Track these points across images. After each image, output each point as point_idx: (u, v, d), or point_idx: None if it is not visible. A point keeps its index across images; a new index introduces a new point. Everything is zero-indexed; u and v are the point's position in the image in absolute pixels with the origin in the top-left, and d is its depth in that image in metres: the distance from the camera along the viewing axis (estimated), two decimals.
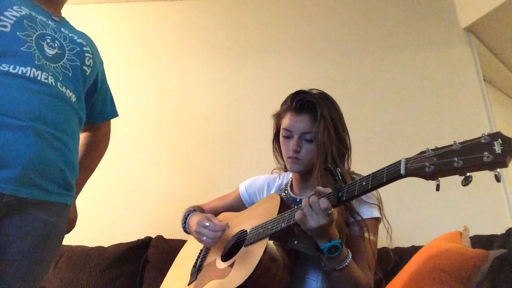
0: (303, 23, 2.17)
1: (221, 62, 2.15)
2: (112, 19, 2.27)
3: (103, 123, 1.29)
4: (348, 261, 0.86)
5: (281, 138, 1.13)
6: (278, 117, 1.17)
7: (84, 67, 1.07)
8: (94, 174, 1.98)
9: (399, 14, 2.12)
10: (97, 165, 1.29)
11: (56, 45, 1.00)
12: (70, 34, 1.06)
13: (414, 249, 1.37)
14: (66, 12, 1.17)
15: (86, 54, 1.08)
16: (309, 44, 2.13)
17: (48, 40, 0.98)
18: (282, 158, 1.19)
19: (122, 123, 2.08)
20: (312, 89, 1.11)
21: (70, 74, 1.02)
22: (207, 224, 1.06)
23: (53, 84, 0.95)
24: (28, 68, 0.91)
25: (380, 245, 1.04)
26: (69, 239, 1.72)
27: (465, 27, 2.03)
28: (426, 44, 2.04)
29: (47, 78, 0.94)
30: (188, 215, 1.21)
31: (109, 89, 1.29)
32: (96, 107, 1.22)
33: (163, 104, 2.11)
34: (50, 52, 0.98)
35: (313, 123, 1.04)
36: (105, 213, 1.93)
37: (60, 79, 0.98)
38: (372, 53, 2.07)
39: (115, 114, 1.32)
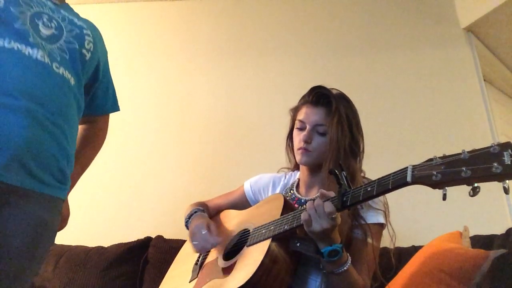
0: (303, 23, 2.17)
1: (221, 62, 2.15)
2: (112, 19, 2.27)
3: (101, 117, 1.24)
4: (347, 266, 0.86)
5: (294, 131, 1.13)
6: (295, 110, 1.17)
7: (84, 51, 1.01)
8: (94, 174, 1.98)
9: (399, 14, 2.12)
10: (91, 161, 1.23)
11: (53, 25, 0.94)
12: (70, 17, 1.01)
13: (414, 249, 1.37)
14: None
15: (86, 38, 1.02)
16: (309, 44, 2.13)
17: (45, 19, 0.93)
18: (294, 155, 1.19)
19: (123, 123, 2.08)
20: (332, 88, 1.13)
21: (67, 57, 0.96)
22: (204, 232, 1.07)
23: (49, 63, 0.90)
24: (23, 45, 0.86)
25: (381, 244, 1.04)
26: (69, 239, 1.73)
27: (465, 27, 2.03)
28: (426, 44, 2.04)
29: (43, 57, 0.88)
30: (195, 212, 1.21)
31: (112, 83, 1.24)
32: (96, 99, 1.17)
33: (164, 104, 2.11)
34: (45, 32, 0.92)
35: (328, 116, 1.06)
36: (105, 213, 1.93)
37: (58, 60, 0.93)
38: (372, 53, 2.07)
39: (116, 108, 1.26)
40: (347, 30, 2.13)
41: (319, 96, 1.09)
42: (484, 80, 2.06)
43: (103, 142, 1.27)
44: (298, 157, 1.10)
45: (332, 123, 1.03)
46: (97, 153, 1.25)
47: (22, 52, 0.85)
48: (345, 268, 0.85)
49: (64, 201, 1.00)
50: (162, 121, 2.08)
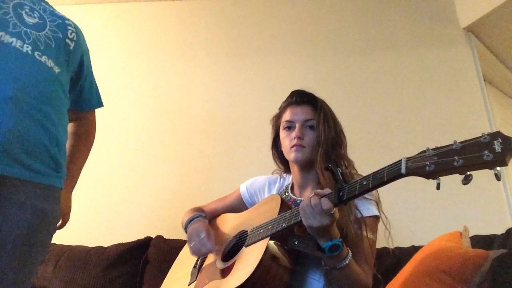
0: (303, 23, 2.17)
1: (221, 62, 2.15)
2: (112, 19, 2.27)
3: (88, 112, 1.26)
4: (348, 260, 0.86)
5: (282, 133, 1.15)
6: (277, 117, 1.19)
7: (67, 40, 1.03)
8: (94, 174, 1.98)
9: (399, 14, 2.12)
10: (87, 155, 1.26)
11: (35, 15, 0.96)
12: (51, 8, 1.04)
13: (414, 249, 1.37)
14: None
15: (69, 28, 1.05)
16: (309, 44, 2.13)
17: (27, 10, 0.94)
18: (282, 163, 1.21)
19: (122, 123, 2.08)
20: None
21: (53, 45, 0.98)
22: (202, 235, 1.09)
23: (29, 52, 0.90)
24: (3, 33, 0.86)
25: (380, 243, 1.04)
26: (69, 239, 1.73)
27: (465, 27, 2.03)
28: (426, 44, 2.04)
29: (22, 46, 0.89)
30: (196, 218, 1.21)
31: (95, 81, 1.26)
32: (83, 94, 1.19)
33: (163, 104, 2.11)
34: (30, 20, 0.93)
35: (314, 112, 1.10)
36: (105, 213, 1.93)
37: (42, 48, 0.93)
38: (372, 53, 2.07)
39: (100, 104, 1.28)
40: (347, 30, 2.13)
41: (302, 96, 1.13)
42: (484, 80, 2.06)
43: (94, 136, 1.30)
44: (292, 155, 1.10)
45: (319, 118, 1.08)
46: (91, 147, 1.28)
47: (1, 39, 0.85)
48: (346, 262, 0.86)
49: (62, 189, 0.98)
50: (162, 121, 2.08)
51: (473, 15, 1.98)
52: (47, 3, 1.07)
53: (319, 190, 0.86)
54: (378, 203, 1.01)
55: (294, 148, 1.08)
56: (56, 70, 0.97)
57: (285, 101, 1.18)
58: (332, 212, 0.81)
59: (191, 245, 1.09)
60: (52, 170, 0.92)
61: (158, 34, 2.23)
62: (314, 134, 1.09)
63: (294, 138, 1.08)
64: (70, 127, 1.19)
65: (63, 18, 1.05)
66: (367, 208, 0.99)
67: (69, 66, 1.04)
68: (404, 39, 2.07)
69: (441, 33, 2.05)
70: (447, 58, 2.01)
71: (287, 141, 1.12)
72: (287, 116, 1.13)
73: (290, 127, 1.12)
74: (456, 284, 0.92)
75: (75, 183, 1.19)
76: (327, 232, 0.84)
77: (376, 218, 1.01)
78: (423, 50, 2.04)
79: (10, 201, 0.82)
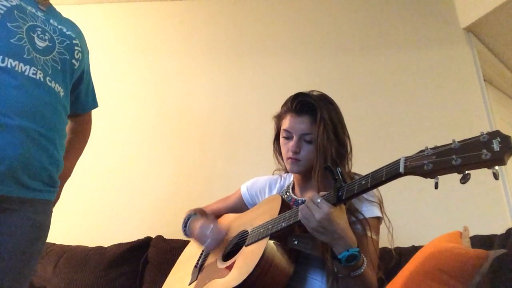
0: (303, 23, 2.17)
1: (221, 62, 2.15)
2: (112, 19, 2.27)
3: (84, 113, 1.29)
4: (364, 267, 0.84)
5: (281, 139, 1.13)
6: (278, 118, 1.17)
7: (73, 61, 1.07)
8: (94, 174, 1.98)
9: (399, 14, 2.12)
10: (82, 152, 1.29)
11: (46, 37, 0.99)
12: (59, 26, 1.06)
13: (414, 249, 1.37)
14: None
15: (76, 48, 1.07)
16: (309, 44, 2.13)
17: (39, 32, 0.97)
18: (283, 159, 1.19)
19: (121, 123, 2.08)
20: (312, 91, 1.11)
21: (59, 68, 1.01)
22: (211, 227, 1.10)
23: (41, 79, 0.95)
24: (17, 62, 0.90)
25: (381, 243, 1.04)
26: (69, 239, 1.73)
27: (465, 27, 2.03)
28: (426, 44, 2.04)
29: (35, 73, 0.93)
30: (189, 219, 1.22)
31: (91, 80, 1.28)
32: (79, 98, 1.22)
33: (163, 104, 2.11)
34: (41, 44, 0.97)
35: (313, 124, 1.04)
36: (105, 213, 1.93)
37: (49, 73, 0.97)
38: (372, 53, 2.07)
39: (95, 105, 1.31)
40: (347, 30, 2.13)
41: (302, 105, 1.06)
42: (484, 80, 2.06)
43: (90, 133, 1.32)
44: (289, 167, 1.09)
45: (318, 131, 1.02)
46: (85, 144, 1.31)
47: (15, 69, 0.90)
48: (362, 270, 0.84)
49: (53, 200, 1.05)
50: (162, 121, 2.08)
51: (473, 15, 1.98)
52: (54, 16, 1.08)
53: (316, 194, 0.86)
54: (381, 205, 1.01)
55: (290, 160, 1.07)
56: (61, 93, 1.02)
57: (286, 103, 1.12)
58: (327, 211, 0.80)
59: (209, 242, 1.09)
60: (48, 186, 0.99)
61: (158, 34, 2.23)
62: (312, 147, 1.04)
63: (290, 150, 1.06)
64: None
65: (71, 37, 1.07)
66: (370, 210, 0.99)
67: (71, 83, 1.09)
68: (404, 39, 2.07)
69: (441, 33, 2.05)
70: (447, 58, 2.01)
71: (284, 150, 1.11)
72: (286, 123, 1.09)
73: (288, 137, 1.09)
74: (456, 284, 0.92)
75: (68, 177, 1.22)
76: (335, 235, 0.82)
77: (379, 219, 1.01)
78: (423, 50, 2.04)
79: (13, 214, 0.89)
